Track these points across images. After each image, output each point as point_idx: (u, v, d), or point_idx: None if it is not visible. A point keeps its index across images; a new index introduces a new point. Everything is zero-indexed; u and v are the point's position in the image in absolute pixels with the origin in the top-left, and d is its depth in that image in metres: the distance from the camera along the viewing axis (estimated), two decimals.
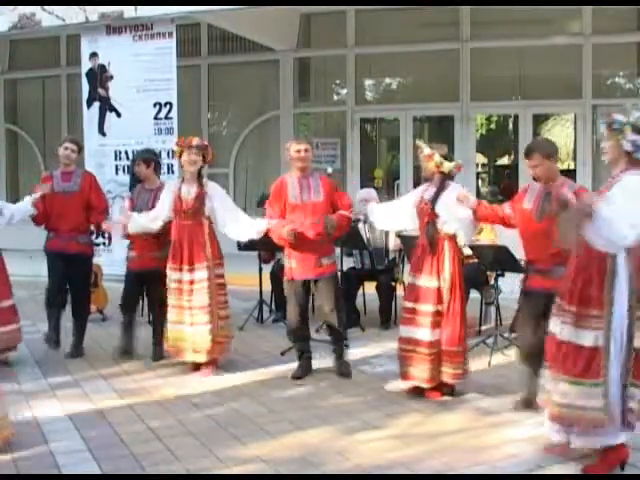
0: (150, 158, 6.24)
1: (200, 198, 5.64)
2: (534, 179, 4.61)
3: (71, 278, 6.20)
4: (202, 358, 5.63)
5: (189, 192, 5.65)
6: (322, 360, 5.91)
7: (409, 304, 5.01)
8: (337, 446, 4.16)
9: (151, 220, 5.80)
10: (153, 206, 5.90)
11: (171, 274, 5.66)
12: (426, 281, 4.92)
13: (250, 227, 5.71)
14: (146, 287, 6.18)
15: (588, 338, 3.62)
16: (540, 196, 4.51)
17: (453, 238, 4.95)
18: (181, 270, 5.61)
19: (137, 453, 4.08)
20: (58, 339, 6.25)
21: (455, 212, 4.87)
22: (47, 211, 6.12)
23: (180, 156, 5.70)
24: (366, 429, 4.44)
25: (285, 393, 5.17)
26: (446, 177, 4.96)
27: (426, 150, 4.96)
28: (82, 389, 5.30)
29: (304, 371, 5.60)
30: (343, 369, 5.61)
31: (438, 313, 4.88)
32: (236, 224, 5.74)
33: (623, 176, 3.62)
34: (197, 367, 5.74)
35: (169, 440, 4.26)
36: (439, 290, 4.88)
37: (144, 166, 6.15)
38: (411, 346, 4.95)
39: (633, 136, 3.63)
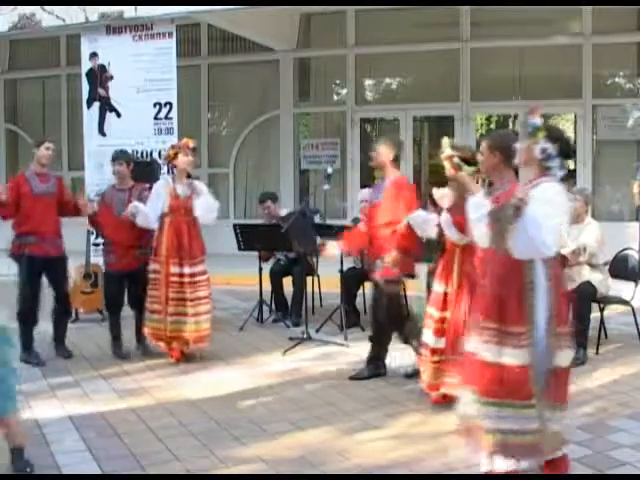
0: (130, 159, 6.46)
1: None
2: None
3: (55, 282, 6.07)
4: (200, 346, 6.01)
5: (184, 191, 5.95)
6: (322, 361, 5.92)
7: (427, 307, 4.99)
8: (337, 446, 4.16)
9: (154, 220, 5.94)
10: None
11: (172, 269, 5.80)
12: (436, 285, 4.87)
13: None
14: (129, 286, 6.20)
15: (514, 357, 3.32)
16: None
17: (467, 245, 4.70)
18: (182, 265, 5.81)
19: (137, 453, 4.07)
20: (40, 359, 5.99)
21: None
22: (25, 213, 5.92)
23: (174, 158, 5.93)
24: (366, 429, 4.44)
25: (285, 393, 5.17)
26: None
27: (447, 151, 4.86)
28: (82, 389, 5.30)
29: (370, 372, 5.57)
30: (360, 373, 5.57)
31: (443, 320, 4.78)
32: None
33: (539, 183, 3.39)
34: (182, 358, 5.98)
35: (169, 440, 4.26)
36: (445, 295, 4.80)
37: (125, 165, 6.28)
38: (423, 348, 4.92)
39: (545, 144, 3.40)
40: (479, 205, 3.60)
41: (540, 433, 3.31)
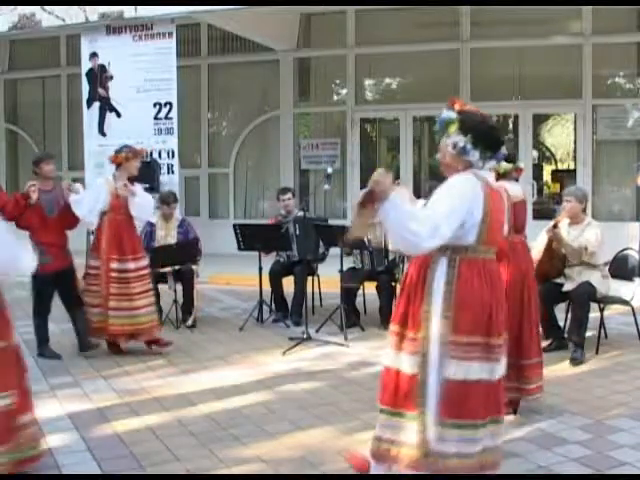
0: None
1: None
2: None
3: None
4: (145, 338, 6.20)
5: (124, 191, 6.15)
6: (322, 361, 5.92)
7: None
8: (337, 446, 4.16)
9: (85, 208, 6.05)
10: (60, 205, 6.07)
11: (112, 265, 5.99)
12: None
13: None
14: (63, 284, 6.12)
15: (408, 363, 3.09)
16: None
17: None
18: (124, 261, 6.03)
19: (137, 453, 4.07)
20: None
21: None
22: None
23: (124, 161, 6.08)
24: (366, 429, 4.42)
25: (285, 393, 5.17)
26: (500, 178, 4.50)
27: None
28: (82, 389, 5.30)
29: None
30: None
31: None
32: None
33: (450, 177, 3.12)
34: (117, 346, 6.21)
35: (169, 440, 4.26)
36: None
37: (53, 166, 6.32)
38: None
39: (455, 137, 3.08)
40: None
41: (421, 449, 3.05)
